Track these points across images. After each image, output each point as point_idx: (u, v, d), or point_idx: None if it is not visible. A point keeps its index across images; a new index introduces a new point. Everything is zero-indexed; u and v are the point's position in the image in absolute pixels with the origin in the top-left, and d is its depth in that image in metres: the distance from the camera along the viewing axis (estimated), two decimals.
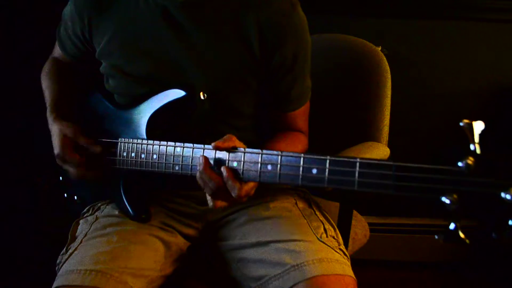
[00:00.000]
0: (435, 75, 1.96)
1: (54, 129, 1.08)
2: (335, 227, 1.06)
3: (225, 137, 0.89)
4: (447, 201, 0.64)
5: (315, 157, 0.77)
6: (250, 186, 0.88)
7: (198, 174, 0.89)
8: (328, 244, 0.96)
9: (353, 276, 0.92)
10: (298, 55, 1.05)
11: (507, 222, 0.61)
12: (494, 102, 1.95)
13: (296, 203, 1.09)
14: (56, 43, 1.24)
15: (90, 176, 1.07)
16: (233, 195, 0.86)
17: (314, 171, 0.77)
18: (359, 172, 0.71)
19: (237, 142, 0.88)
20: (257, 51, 1.02)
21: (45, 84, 1.20)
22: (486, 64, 1.94)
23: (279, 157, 0.81)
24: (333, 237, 1.01)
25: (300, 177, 0.78)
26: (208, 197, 0.89)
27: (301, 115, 1.15)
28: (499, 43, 1.92)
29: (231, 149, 0.87)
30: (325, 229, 1.01)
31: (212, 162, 0.88)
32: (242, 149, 0.85)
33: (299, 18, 1.04)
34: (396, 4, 1.88)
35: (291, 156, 0.80)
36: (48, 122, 1.11)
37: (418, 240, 2.07)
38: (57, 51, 1.25)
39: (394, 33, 1.91)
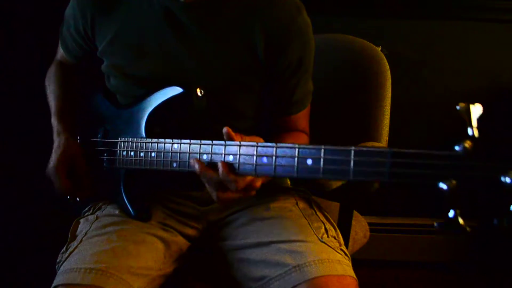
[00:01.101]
0: (435, 75, 1.96)
1: (59, 141, 1.10)
2: (336, 227, 1.05)
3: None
4: (445, 187, 0.62)
5: (310, 146, 0.76)
6: (247, 180, 0.87)
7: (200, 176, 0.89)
8: (329, 245, 0.96)
9: (354, 276, 0.92)
10: (303, 59, 1.05)
11: (508, 207, 0.59)
12: (494, 102, 1.95)
13: (296, 203, 1.09)
14: (59, 46, 1.24)
15: (72, 197, 1.12)
16: (232, 188, 0.86)
17: (309, 161, 0.76)
18: (354, 161, 0.70)
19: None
20: (261, 53, 1.02)
21: (50, 88, 1.21)
22: (486, 64, 1.94)
23: (274, 148, 0.80)
24: (334, 238, 1.01)
25: (296, 168, 0.77)
26: (214, 194, 0.89)
27: (302, 117, 1.15)
28: (499, 43, 1.92)
29: (228, 142, 0.86)
30: (326, 230, 1.01)
31: (209, 157, 0.88)
32: (238, 142, 0.85)
33: (304, 21, 1.03)
34: (396, 4, 1.88)
35: (286, 147, 0.79)
36: (54, 130, 1.13)
37: (418, 240, 2.07)
38: (60, 54, 1.25)
39: (394, 33, 1.91)
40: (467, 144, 0.60)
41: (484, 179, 0.60)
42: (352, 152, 0.71)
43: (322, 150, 0.74)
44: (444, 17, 1.91)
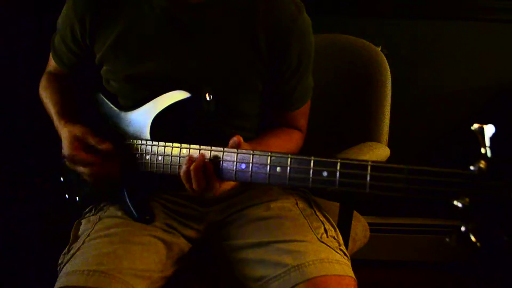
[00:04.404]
0: (435, 75, 1.96)
1: (64, 132, 1.06)
2: (336, 227, 1.06)
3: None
4: (459, 205, 0.63)
5: (325, 159, 0.76)
6: (229, 185, 0.91)
7: (184, 169, 0.90)
8: (329, 245, 0.96)
9: (354, 276, 0.92)
10: (303, 58, 1.06)
11: None
12: (494, 102, 1.95)
13: (296, 203, 1.09)
14: (50, 57, 1.22)
15: (104, 175, 1.04)
16: (211, 192, 0.90)
17: (325, 173, 0.76)
18: (370, 175, 0.71)
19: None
20: (264, 54, 1.02)
21: (46, 96, 1.18)
22: (486, 64, 1.94)
23: (289, 159, 0.80)
24: (334, 238, 1.01)
25: (311, 179, 0.77)
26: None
27: (301, 114, 1.15)
28: (499, 43, 1.92)
29: (240, 150, 0.87)
30: (325, 230, 1.01)
31: (220, 163, 0.88)
32: (251, 151, 0.85)
33: (305, 21, 1.04)
34: (396, 4, 1.88)
35: (301, 158, 0.79)
36: (58, 130, 1.09)
37: (418, 240, 2.07)
38: (51, 65, 1.23)
39: (394, 33, 1.91)
40: (482, 164, 0.62)
41: (497, 198, 0.62)
42: (369, 166, 0.71)
43: (338, 163, 0.74)
44: (444, 17, 1.91)
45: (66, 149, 1.04)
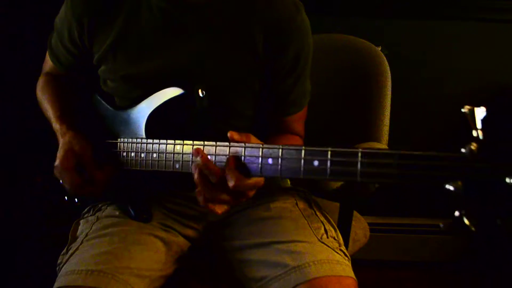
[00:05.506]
0: (435, 75, 1.96)
1: (64, 139, 1.05)
2: (336, 227, 1.05)
3: (243, 133, 0.86)
4: (452, 188, 0.62)
5: (316, 149, 0.76)
6: (252, 182, 0.83)
7: (197, 170, 0.84)
8: (329, 245, 0.96)
9: (354, 277, 0.92)
10: (300, 59, 1.05)
11: None
12: (494, 102, 1.95)
13: (296, 204, 1.09)
14: (47, 57, 1.22)
15: (84, 194, 1.06)
16: (230, 185, 0.81)
17: (316, 163, 0.75)
18: (361, 162, 0.70)
19: (253, 139, 0.86)
20: (261, 53, 1.02)
21: (44, 98, 1.17)
22: (486, 64, 1.94)
23: (280, 150, 0.80)
24: (334, 238, 1.01)
25: (302, 169, 0.77)
26: (201, 198, 0.85)
27: (297, 120, 1.15)
28: (499, 43, 1.92)
29: (232, 144, 0.85)
30: (325, 230, 1.01)
31: (213, 158, 0.87)
32: (242, 144, 0.85)
33: (303, 21, 1.04)
34: (396, 4, 1.88)
35: (292, 149, 0.79)
36: (57, 133, 1.08)
37: (418, 240, 2.07)
38: (48, 65, 1.23)
39: (394, 33, 1.91)
40: (473, 146, 0.61)
41: (490, 180, 0.60)
42: (360, 153, 0.71)
43: (329, 152, 0.74)
44: (444, 17, 1.91)
45: (59, 161, 1.03)
